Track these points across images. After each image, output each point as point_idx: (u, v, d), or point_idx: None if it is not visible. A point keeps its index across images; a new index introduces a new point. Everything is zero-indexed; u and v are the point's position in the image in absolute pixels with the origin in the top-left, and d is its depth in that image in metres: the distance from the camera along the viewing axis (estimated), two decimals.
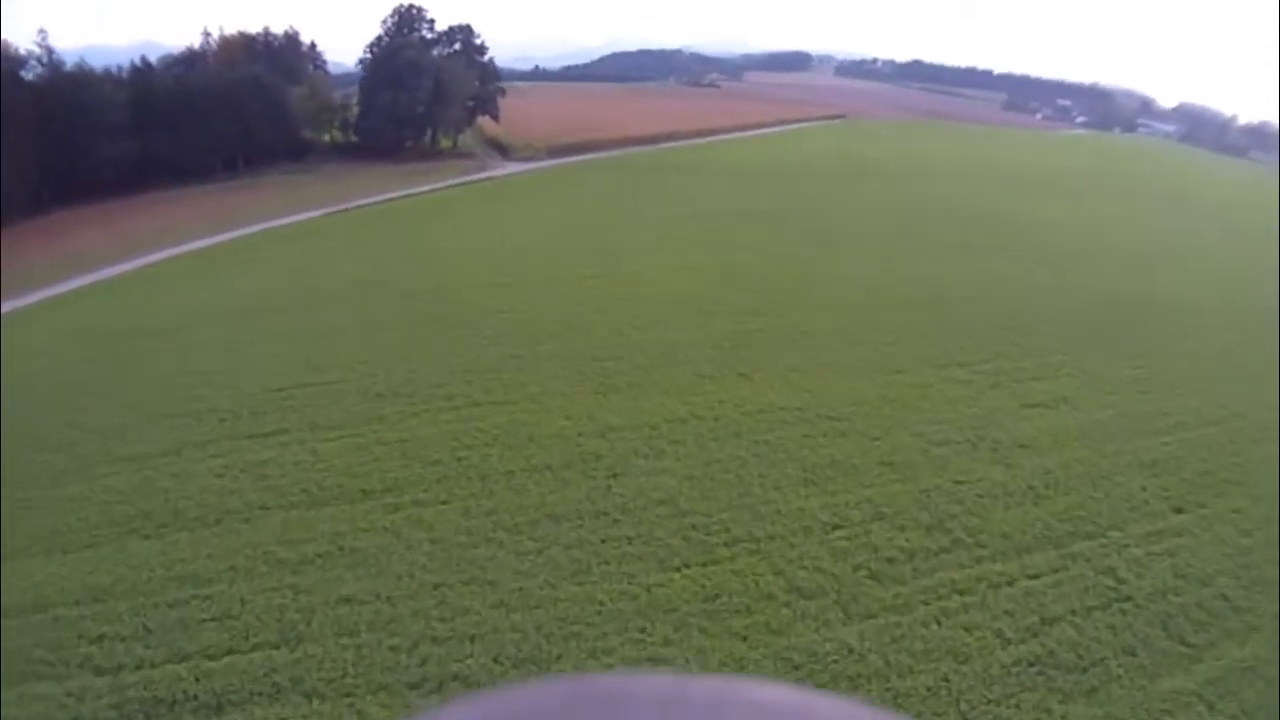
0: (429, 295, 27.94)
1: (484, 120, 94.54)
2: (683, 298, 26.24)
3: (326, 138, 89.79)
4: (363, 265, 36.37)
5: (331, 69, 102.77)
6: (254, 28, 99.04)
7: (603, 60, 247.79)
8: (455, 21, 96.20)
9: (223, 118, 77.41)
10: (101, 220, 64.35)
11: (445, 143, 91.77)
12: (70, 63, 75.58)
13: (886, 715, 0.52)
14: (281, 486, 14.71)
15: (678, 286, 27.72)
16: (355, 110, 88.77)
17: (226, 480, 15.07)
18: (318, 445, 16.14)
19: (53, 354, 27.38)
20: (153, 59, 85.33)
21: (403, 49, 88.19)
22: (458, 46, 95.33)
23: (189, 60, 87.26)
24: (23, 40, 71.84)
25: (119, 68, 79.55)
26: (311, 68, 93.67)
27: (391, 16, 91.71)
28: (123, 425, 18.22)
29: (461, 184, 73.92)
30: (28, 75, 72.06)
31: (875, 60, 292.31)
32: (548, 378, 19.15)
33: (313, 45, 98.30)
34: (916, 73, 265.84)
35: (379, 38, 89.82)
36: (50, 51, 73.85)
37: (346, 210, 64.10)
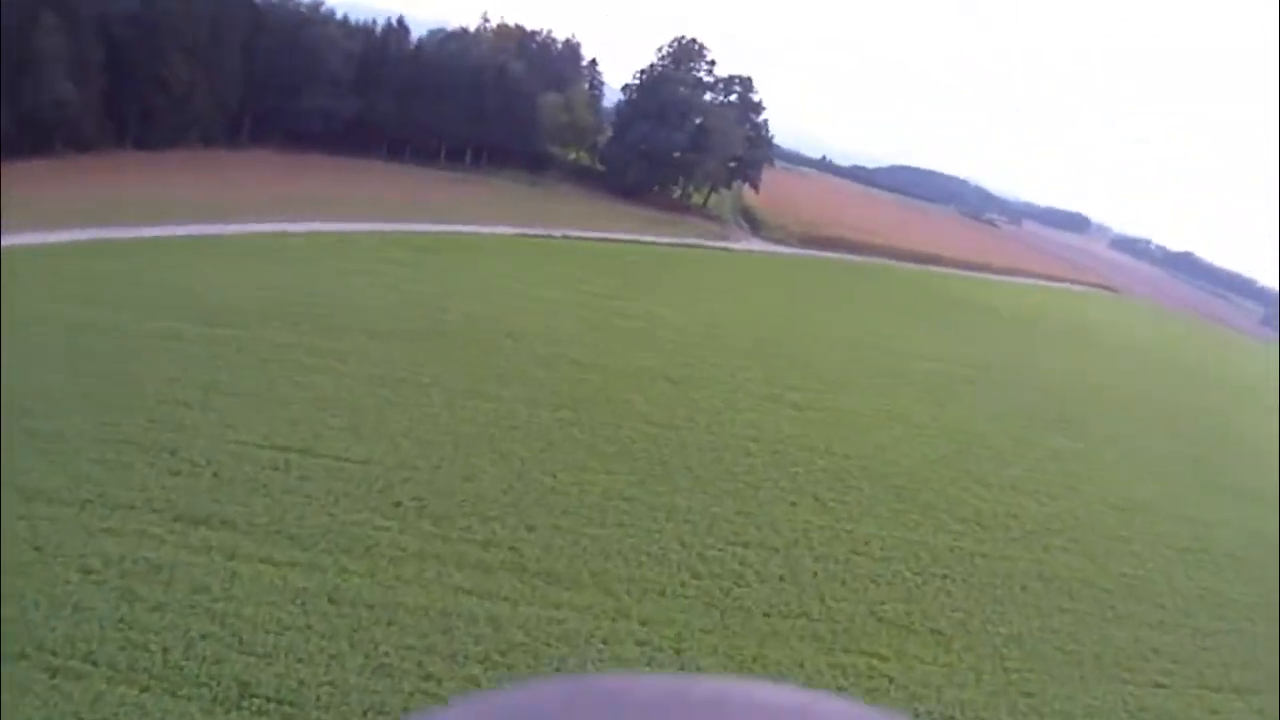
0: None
1: (742, 187, 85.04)
2: (892, 472, 23.27)
3: (572, 156, 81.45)
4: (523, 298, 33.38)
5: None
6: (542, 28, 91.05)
7: (890, 170, 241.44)
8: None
9: (460, 101, 69.39)
10: (295, 173, 56.37)
11: (695, 198, 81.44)
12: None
13: (889, 715, 0.54)
14: None
15: (888, 444, 24.81)
16: (607, 135, 79.93)
17: None
18: None
19: None
20: (424, 32, 79.33)
21: (673, 83, 78.84)
22: (734, 98, 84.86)
23: (458, 38, 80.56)
24: None
25: (371, 21, 73.35)
26: (587, 87, 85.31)
27: (670, 46, 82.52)
28: None
29: (697, 247, 63.46)
30: None
31: (1149, 242, 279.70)
32: None
33: (593, 63, 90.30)
34: (1185, 265, 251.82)
35: (652, 65, 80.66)
36: None
37: (566, 237, 53.81)
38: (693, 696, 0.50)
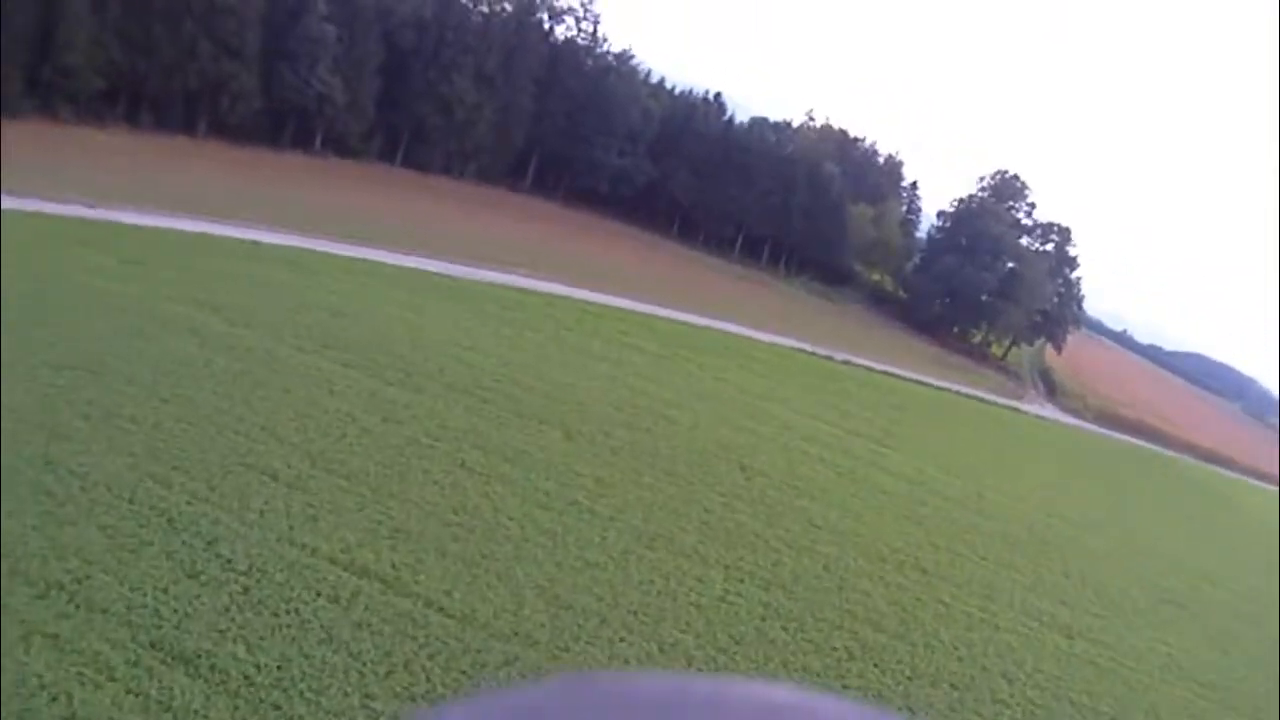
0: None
1: (1044, 345, 76.93)
2: None
3: (874, 277, 76.01)
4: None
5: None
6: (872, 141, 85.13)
7: (1184, 356, 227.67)
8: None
9: (765, 191, 63.51)
10: (572, 230, 51.75)
11: (995, 348, 72.20)
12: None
13: (888, 716, 0.55)
14: None
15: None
16: (914, 261, 74.09)
17: None
18: None
19: None
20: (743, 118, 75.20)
21: (989, 218, 70.06)
22: (1049, 247, 74.81)
23: (775, 129, 75.54)
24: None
25: (688, 90, 69.43)
26: (904, 209, 78.23)
27: (991, 178, 74.14)
28: None
29: (986, 401, 55.99)
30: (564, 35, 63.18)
31: None
32: None
33: (913, 185, 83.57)
34: None
35: (970, 196, 72.42)
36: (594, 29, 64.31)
37: (846, 363, 46.00)
38: (693, 696, 0.50)
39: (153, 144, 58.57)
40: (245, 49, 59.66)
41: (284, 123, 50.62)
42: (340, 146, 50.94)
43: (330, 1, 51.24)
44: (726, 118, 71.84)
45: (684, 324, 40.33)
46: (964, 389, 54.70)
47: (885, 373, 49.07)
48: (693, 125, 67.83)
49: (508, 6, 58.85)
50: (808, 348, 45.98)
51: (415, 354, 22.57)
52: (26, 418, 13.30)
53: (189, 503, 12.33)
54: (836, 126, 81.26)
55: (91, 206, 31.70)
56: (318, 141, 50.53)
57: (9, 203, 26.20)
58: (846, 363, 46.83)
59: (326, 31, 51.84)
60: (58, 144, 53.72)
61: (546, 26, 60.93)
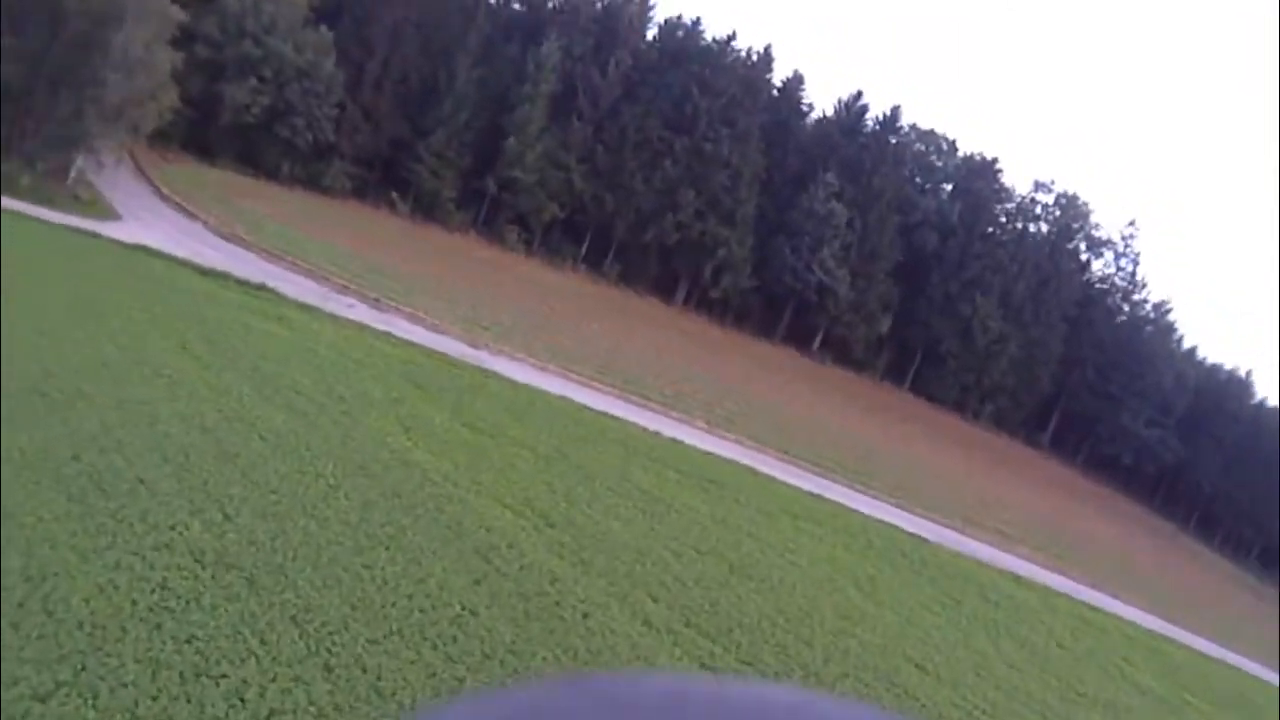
0: None
1: None
2: None
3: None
4: None
5: None
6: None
7: None
8: None
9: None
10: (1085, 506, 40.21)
11: None
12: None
13: (888, 716, 0.55)
14: None
15: None
16: None
17: None
18: None
19: None
20: None
21: None
22: None
23: None
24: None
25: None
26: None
27: None
28: None
29: None
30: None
31: None
32: None
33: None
34: None
35: None
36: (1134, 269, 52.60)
37: None
38: (692, 696, 0.50)
39: (614, 299, 55.93)
40: (738, 211, 56.01)
41: (776, 309, 45.02)
42: (841, 352, 44.25)
43: (841, 176, 45.54)
44: (1256, 401, 57.59)
45: (1202, 656, 30.33)
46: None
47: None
48: (1224, 404, 54.06)
49: (1044, 227, 50.28)
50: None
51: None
52: None
53: None
54: None
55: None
56: (816, 341, 44.16)
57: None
58: None
59: (835, 211, 46.26)
60: (496, 272, 52.38)
61: (1083, 258, 51.39)
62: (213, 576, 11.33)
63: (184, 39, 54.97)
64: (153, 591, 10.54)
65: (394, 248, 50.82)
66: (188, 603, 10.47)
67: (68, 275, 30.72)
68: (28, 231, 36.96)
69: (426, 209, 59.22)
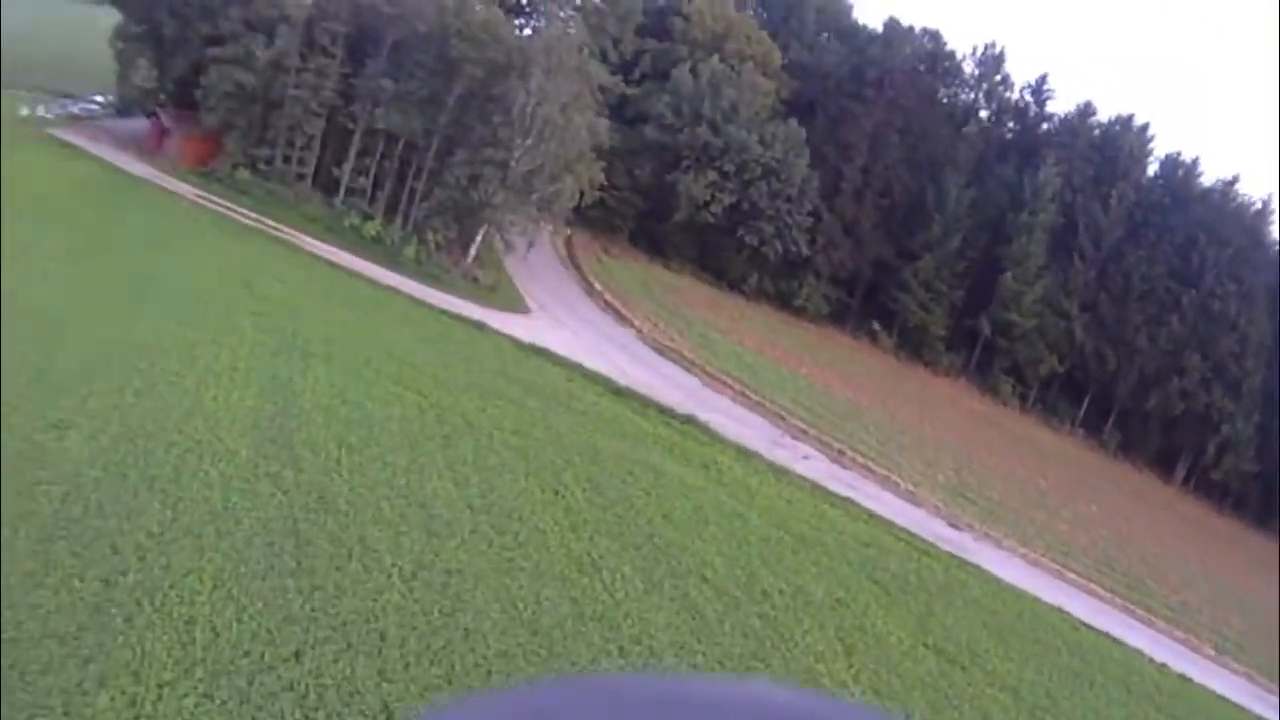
0: None
1: None
2: None
3: None
4: None
5: None
6: None
7: None
8: None
9: None
10: None
11: None
12: None
13: (884, 715, 0.54)
14: None
15: None
16: None
17: None
18: None
19: None
20: None
21: None
22: None
23: None
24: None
25: None
26: None
27: None
28: None
29: None
30: None
31: None
32: None
33: None
34: None
35: None
36: None
37: None
38: (693, 696, 0.49)
39: (1113, 472, 50.04)
40: (1244, 382, 49.87)
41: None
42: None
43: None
44: None
45: None
46: None
47: None
48: None
49: None
50: None
51: None
52: None
53: None
54: None
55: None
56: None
57: None
58: None
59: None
60: (987, 429, 47.88)
61: None
62: None
63: (634, 118, 55.20)
64: None
65: (871, 388, 46.66)
66: None
67: (432, 373, 25.97)
68: (401, 312, 32.76)
69: (913, 345, 54.88)
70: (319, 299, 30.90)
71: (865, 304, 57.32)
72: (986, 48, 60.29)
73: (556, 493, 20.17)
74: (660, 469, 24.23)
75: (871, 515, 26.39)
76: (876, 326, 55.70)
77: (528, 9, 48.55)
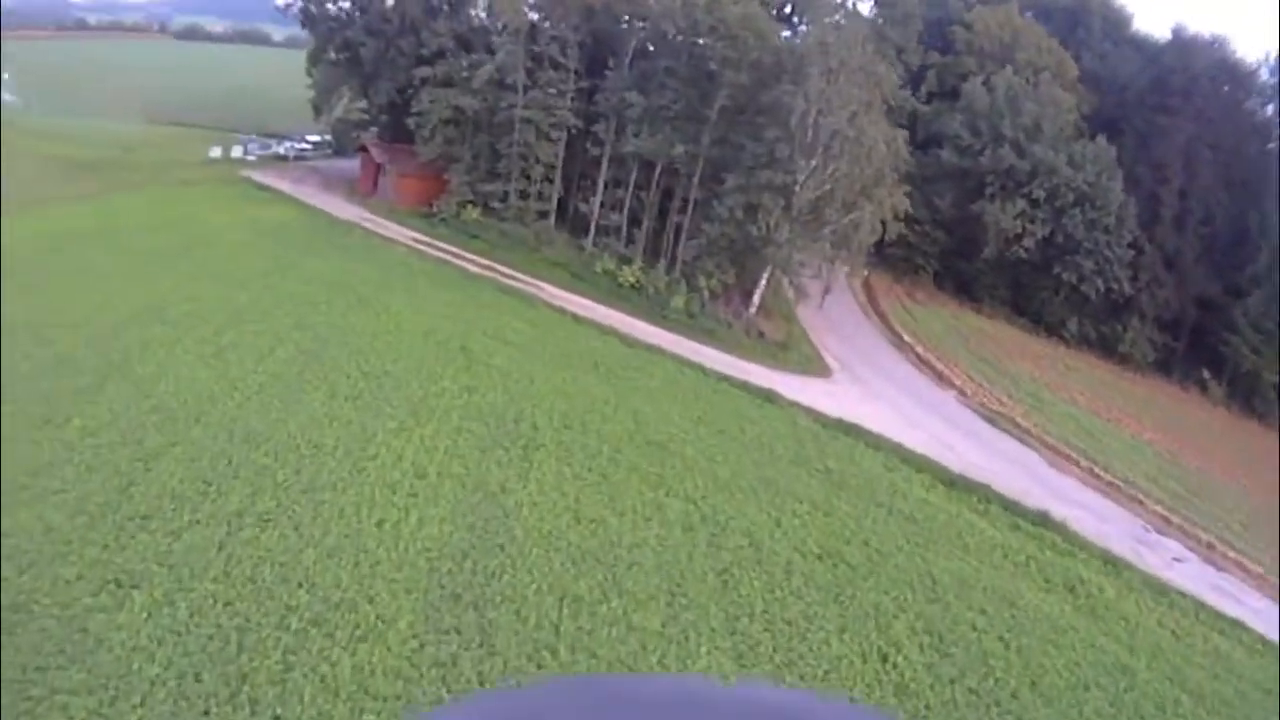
0: None
1: None
2: None
3: None
4: None
5: None
6: None
7: None
8: None
9: None
10: None
11: None
12: None
13: (884, 715, 0.58)
14: None
15: None
16: None
17: None
18: None
19: None
20: None
21: None
22: None
23: None
24: None
25: None
26: None
27: None
28: None
29: None
30: None
31: None
32: None
33: None
34: None
35: None
36: None
37: None
38: (693, 697, 0.49)
39: None
40: None
41: None
42: None
43: None
44: None
45: None
46: None
47: None
48: None
49: None
50: None
51: None
52: None
53: None
54: None
55: None
56: None
57: None
58: None
59: None
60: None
61: None
62: None
63: (926, 140, 46.30)
64: None
65: (1217, 453, 36.23)
66: None
67: (706, 467, 19.87)
68: (665, 378, 26.01)
69: (1244, 394, 44.57)
70: (556, 364, 24.76)
71: (1190, 348, 47.50)
72: None
73: (885, 658, 13.86)
74: (1015, 599, 17.16)
75: (1265, 643, 18.71)
76: (1206, 375, 45.91)
77: (792, 15, 40.84)
